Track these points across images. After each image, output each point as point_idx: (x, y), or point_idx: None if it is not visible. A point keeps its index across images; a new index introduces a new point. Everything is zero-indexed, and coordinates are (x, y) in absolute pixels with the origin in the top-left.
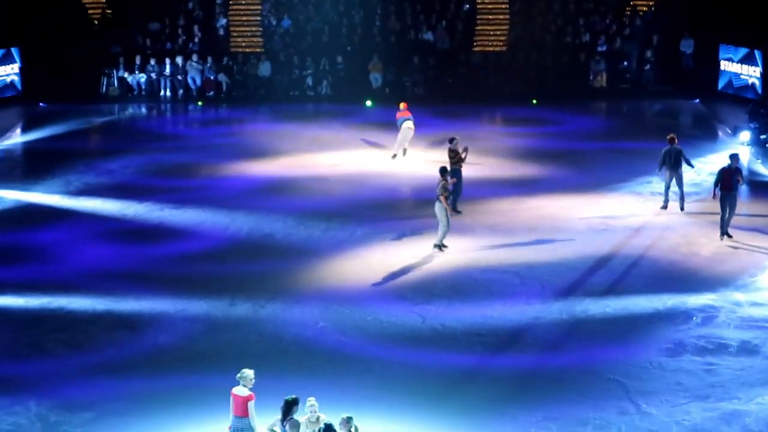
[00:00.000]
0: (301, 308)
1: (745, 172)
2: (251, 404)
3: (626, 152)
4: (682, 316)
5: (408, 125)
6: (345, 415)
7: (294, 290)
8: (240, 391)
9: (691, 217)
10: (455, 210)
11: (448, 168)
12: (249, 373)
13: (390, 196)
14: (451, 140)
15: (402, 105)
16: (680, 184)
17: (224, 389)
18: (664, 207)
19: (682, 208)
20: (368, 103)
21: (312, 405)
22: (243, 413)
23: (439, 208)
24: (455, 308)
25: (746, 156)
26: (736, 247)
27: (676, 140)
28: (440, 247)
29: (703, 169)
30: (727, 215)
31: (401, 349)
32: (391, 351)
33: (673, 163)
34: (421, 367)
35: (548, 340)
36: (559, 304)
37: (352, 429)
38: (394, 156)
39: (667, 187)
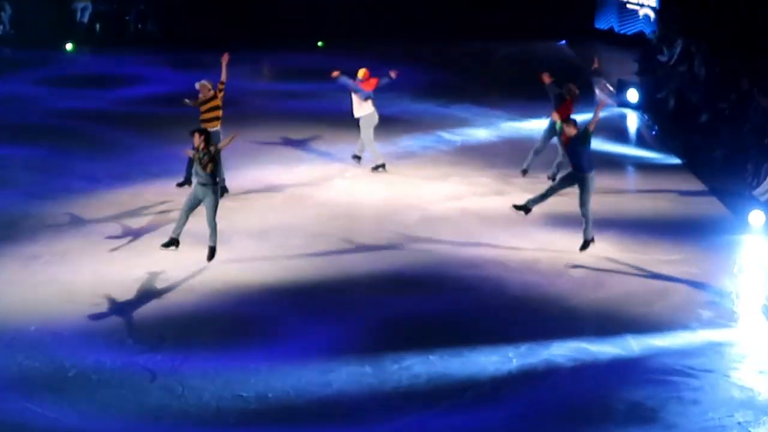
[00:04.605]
0: None
1: (632, 148)
2: None
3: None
4: None
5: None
6: None
7: None
8: None
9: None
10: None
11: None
12: None
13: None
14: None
15: (361, 73)
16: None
17: None
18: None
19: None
20: (68, 46)
21: None
22: None
23: (211, 195)
24: None
25: (634, 123)
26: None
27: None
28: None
29: None
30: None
31: None
32: None
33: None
34: None
35: None
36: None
37: None
38: (378, 167)
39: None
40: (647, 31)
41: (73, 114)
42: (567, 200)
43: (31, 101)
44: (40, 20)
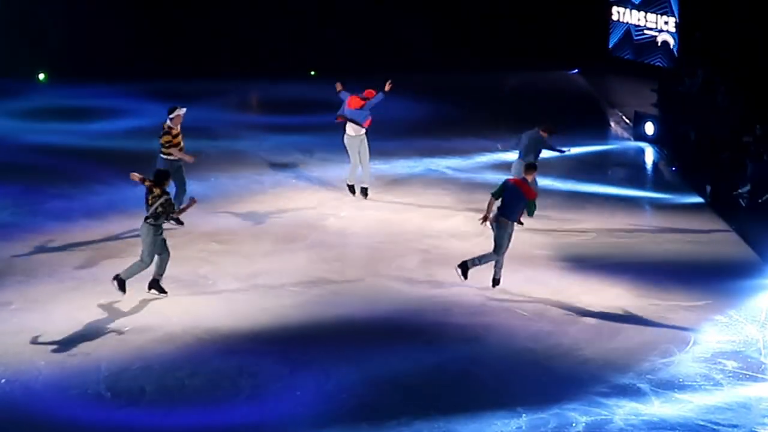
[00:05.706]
0: None
1: (650, 186)
2: None
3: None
4: None
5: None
6: None
7: None
8: None
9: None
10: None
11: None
12: None
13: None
14: (170, 110)
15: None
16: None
17: None
18: None
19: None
20: (41, 76)
21: None
22: None
23: (147, 232)
24: None
25: (651, 159)
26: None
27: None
28: (158, 287)
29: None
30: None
31: None
32: None
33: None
34: None
35: None
36: None
37: None
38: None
39: None
40: (665, 62)
41: (45, 150)
42: (581, 242)
43: None
44: (8, 47)
